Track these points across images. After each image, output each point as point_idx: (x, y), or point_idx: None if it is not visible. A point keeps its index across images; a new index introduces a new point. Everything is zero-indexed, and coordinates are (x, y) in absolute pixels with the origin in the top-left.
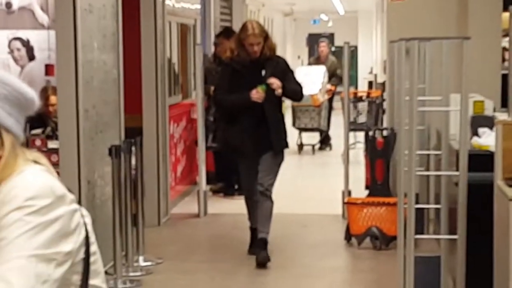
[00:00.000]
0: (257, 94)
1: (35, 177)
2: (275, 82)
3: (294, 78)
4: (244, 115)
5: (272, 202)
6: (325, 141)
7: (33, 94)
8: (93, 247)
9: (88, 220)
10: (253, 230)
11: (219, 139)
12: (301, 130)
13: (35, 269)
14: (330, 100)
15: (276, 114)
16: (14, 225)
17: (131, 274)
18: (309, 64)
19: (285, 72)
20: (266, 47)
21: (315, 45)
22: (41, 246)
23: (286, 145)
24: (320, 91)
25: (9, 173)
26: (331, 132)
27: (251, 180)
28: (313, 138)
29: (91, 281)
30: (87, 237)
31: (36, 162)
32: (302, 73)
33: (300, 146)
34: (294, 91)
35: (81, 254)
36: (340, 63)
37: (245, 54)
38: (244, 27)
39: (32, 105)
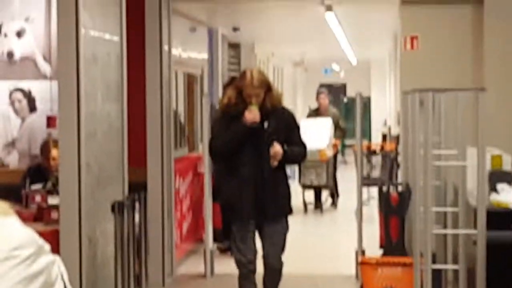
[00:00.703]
0: (250, 114)
1: (14, 227)
2: (277, 154)
3: (299, 137)
4: (246, 165)
5: (282, 272)
6: (332, 199)
7: None
8: None
9: (64, 270)
10: None
11: (219, 195)
12: (306, 187)
13: None
14: (335, 155)
15: (278, 173)
16: (2, 279)
17: None
18: (309, 116)
19: (290, 127)
20: (267, 99)
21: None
22: None
23: (290, 211)
24: (328, 146)
25: None
26: (341, 187)
27: (247, 246)
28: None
29: None
30: None
31: (5, 213)
32: (307, 125)
33: (306, 205)
34: (296, 156)
35: None
36: (341, 114)
37: (243, 104)
38: (242, 75)
39: None
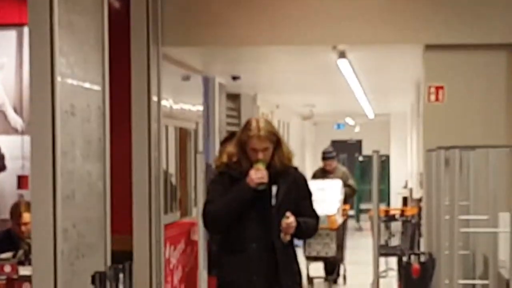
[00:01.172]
0: (257, 173)
1: None
2: (290, 227)
3: (312, 206)
4: (252, 239)
5: None
6: (338, 272)
7: None
8: None
9: None
10: None
11: (218, 270)
12: (312, 259)
13: None
14: (344, 222)
15: (289, 249)
16: None
17: None
18: (314, 176)
19: (302, 194)
20: (276, 157)
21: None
22: None
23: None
24: (338, 211)
25: None
26: (355, 258)
27: None
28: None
29: None
30: None
31: None
32: (314, 187)
33: (310, 280)
34: (310, 230)
35: None
36: (353, 175)
37: (247, 162)
38: (247, 125)
39: None
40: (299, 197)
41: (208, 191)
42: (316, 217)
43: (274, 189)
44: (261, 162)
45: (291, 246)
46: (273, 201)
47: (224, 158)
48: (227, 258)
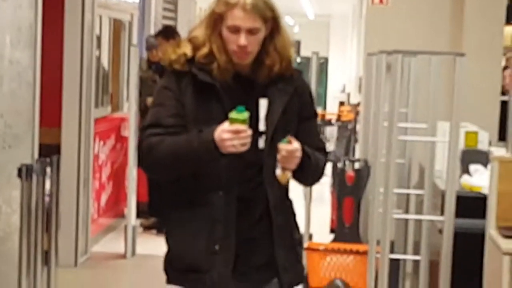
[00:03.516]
0: (234, 136)
1: None
2: (294, 154)
3: (318, 133)
4: (221, 187)
5: None
6: None
7: None
8: None
9: None
10: None
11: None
12: None
13: None
14: None
15: (284, 203)
16: None
17: None
18: None
19: (305, 112)
20: (271, 48)
21: None
22: None
23: (302, 272)
24: None
25: None
26: None
27: None
28: None
29: None
30: None
31: None
32: None
33: None
34: (317, 166)
35: None
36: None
37: (224, 54)
38: None
39: None
40: (301, 117)
41: (153, 103)
42: (324, 150)
43: (263, 105)
44: (240, 113)
45: (287, 199)
46: (261, 125)
47: (186, 49)
48: (176, 214)
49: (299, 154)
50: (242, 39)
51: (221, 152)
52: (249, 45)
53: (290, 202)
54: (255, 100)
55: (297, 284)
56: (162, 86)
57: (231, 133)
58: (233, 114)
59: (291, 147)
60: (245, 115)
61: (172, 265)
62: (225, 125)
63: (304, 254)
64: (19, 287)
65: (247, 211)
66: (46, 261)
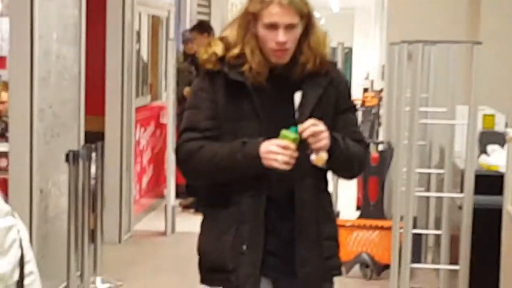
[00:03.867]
0: (279, 153)
1: None
2: (317, 132)
3: (356, 126)
4: (250, 188)
5: None
6: None
7: None
8: (29, 267)
9: (24, 234)
10: None
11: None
12: None
13: None
14: None
15: (316, 199)
16: None
17: None
18: None
19: (341, 106)
20: (305, 45)
21: None
22: None
23: (339, 269)
24: None
25: None
26: None
27: None
28: None
29: None
30: (22, 256)
31: None
32: None
33: None
34: (352, 155)
35: (16, 276)
36: None
37: (257, 55)
38: None
39: None
40: (338, 110)
41: (189, 105)
42: (362, 142)
43: (297, 97)
44: (290, 134)
45: (322, 193)
46: (296, 115)
47: (217, 48)
48: (209, 212)
49: (326, 134)
50: (281, 35)
51: (264, 166)
52: (288, 41)
53: (326, 196)
54: (288, 97)
55: (321, 280)
56: (197, 88)
57: (279, 147)
58: (284, 131)
59: (315, 127)
60: (296, 135)
61: (201, 265)
62: (276, 140)
63: None
64: (68, 262)
65: (276, 210)
66: (93, 238)
